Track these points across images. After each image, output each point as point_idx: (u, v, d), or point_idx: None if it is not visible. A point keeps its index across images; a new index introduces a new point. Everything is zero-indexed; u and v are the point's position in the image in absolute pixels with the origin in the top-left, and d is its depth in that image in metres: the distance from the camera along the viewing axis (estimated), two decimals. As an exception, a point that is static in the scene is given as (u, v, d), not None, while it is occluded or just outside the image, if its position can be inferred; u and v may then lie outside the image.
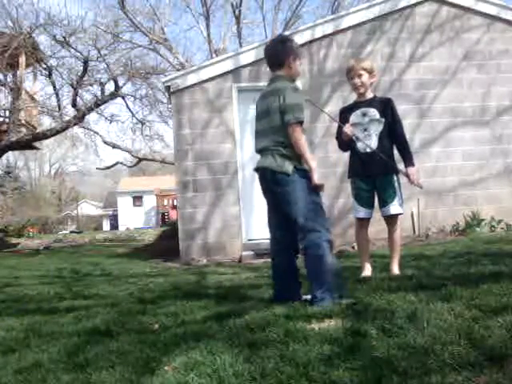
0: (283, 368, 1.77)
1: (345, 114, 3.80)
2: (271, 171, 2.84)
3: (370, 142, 3.63)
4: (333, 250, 2.83)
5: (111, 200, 42.56)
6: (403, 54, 7.61)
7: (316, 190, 2.81)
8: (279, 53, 2.96)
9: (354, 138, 3.66)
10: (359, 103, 3.75)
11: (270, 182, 2.88)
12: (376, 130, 3.64)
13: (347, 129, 3.61)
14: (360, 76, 3.67)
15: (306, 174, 2.81)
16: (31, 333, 2.69)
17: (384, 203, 3.66)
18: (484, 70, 7.67)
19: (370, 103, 3.70)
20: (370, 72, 3.71)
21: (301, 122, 2.79)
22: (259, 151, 2.97)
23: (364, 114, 3.68)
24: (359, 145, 3.67)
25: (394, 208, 3.63)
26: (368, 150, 3.61)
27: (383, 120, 3.64)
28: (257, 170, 2.99)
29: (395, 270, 3.63)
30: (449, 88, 7.57)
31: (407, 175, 3.61)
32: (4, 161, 26.84)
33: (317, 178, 2.78)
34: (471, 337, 1.87)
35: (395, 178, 3.64)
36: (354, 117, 3.71)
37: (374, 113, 3.65)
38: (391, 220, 3.69)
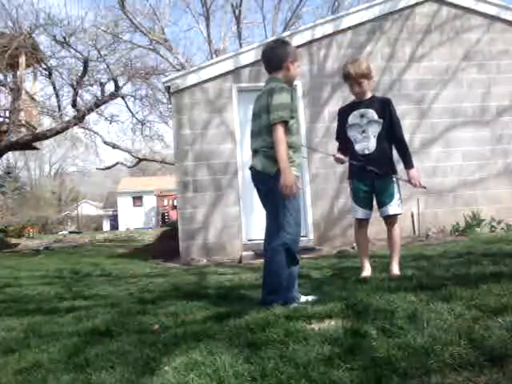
0: (283, 368, 1.77)
1: (343, 114, 3.79)
2: (256, 170, 2.93)
3: (368, 143, 3.63)
4: (292, 253, 2.80)
5: (111, 200, 42.55)
6: (403, 54, 7.61)
7: (284, 191, 2.70)
8: (278, 56, 2.96)
9: (352, 139, 3.68)
10: (358, 103, 3.73)
11: (255, 180, 2.99)
12: (374, 131, 3.62)
13: (335, 158, 3.78)
14: (360, 84, 3.63)
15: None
16: (31, 333, 2.69)
17: (382, 204, 3.65)
18: (484, 70, 7.67)
19: (369, 104, 3.67)
20: (369, 77, 3.67)
21: (285, 122, 2.77)
22: (253, 151, 3.02)
23: (362, 116, 3.65)
24: (357, 146, 3.66)
25: (392, 208, 3.63)
26: (366, 151, 3.61)
27: (381, 121, 3.61)
28: (250, 168, 3.06)
29: (395, 270, 3.63)
30: (449, 88, 7.57)
31: (409, 180, 3.62)
32: (4, 161, 26.84)
33: (289, 182, 2.68)
34: (471, 337, 1.87)
35: (394, 179, 3.64)
36: (352, 118, 3.70)
37: (372, 114, 3.62)
38: (390, 220, 3.68)
